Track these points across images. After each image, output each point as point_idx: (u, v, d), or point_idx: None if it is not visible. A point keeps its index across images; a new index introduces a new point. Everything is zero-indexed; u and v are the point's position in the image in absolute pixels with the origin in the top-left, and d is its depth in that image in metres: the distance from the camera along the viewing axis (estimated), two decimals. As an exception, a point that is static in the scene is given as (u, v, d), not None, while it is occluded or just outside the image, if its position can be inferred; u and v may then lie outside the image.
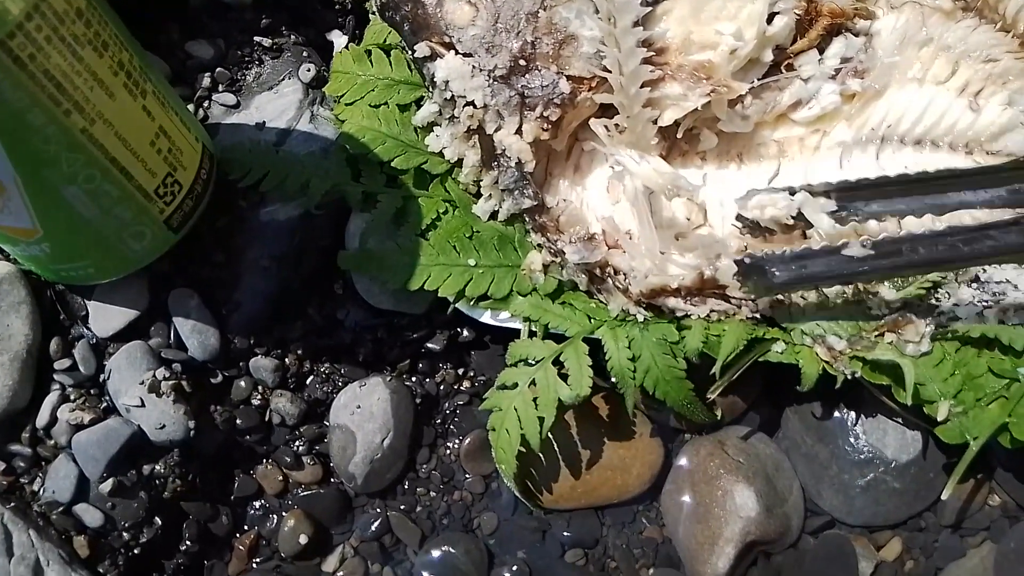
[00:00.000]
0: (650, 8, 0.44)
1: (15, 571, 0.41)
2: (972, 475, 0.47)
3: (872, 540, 0.48)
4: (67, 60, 0.35)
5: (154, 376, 0.44)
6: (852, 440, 0.48)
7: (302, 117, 0.51)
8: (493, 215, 0.49)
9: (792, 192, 0.41)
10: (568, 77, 0.44)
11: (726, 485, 0.47)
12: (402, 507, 0.49)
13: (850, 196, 0.41)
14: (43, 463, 0.45)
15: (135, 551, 0.45)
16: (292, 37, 0.54)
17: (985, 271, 0.45)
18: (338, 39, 0.57)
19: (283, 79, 0.52)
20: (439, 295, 0.47)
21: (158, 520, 0.45)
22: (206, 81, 0.52)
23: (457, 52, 0.45)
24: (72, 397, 0.45)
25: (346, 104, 0.51)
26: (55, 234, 0.41)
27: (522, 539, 0.49)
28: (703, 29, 0.45)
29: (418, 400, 0.50)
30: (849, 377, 0.43)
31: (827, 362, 0.43)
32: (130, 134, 0.39)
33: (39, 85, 0.34)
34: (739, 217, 0.42)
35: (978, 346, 0.44)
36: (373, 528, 0.49)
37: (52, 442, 0.45)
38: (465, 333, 0.51)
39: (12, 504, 0.43)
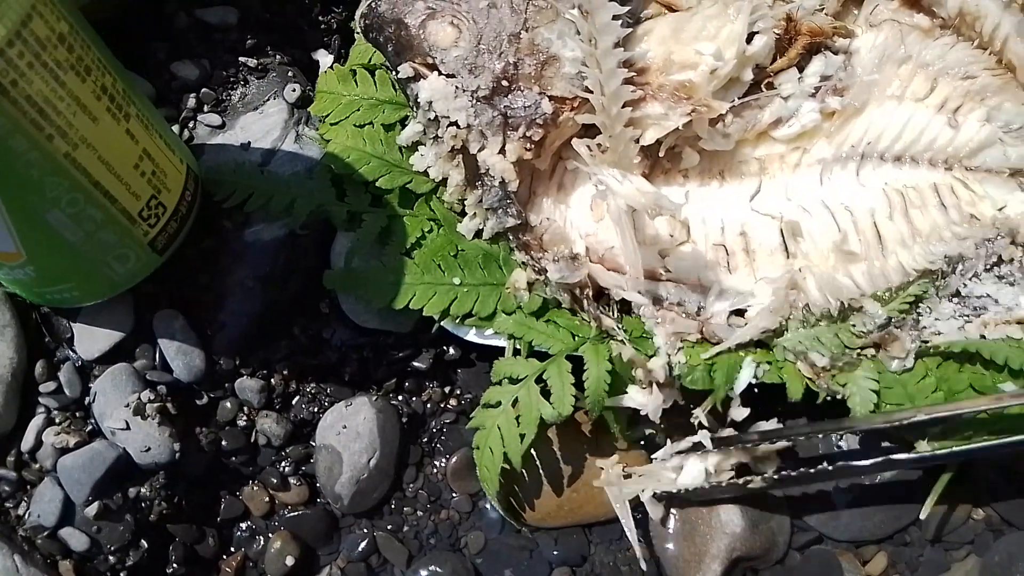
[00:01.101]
0: (631, 29, 0.45)
1: (-1, 597, 0.41)
2: (956, 489, 0.47)
3: (858, 555, 0.48)
4: (49, 85, 0.35)
5: (139, 399, 0.44)
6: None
7: (287, 137, 0.51)
8: (478, 234, 0.49)
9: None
10: (550, 97, 0.45)
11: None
12: (389, 527, 0.49)
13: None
14: (28, 487, 0.45)
15: (121, 575, 0.45)
16: (277, 57, 0.55)
17: (966, 285, 0.45)
18: (324, 59, 0.57)
19: (268, 99, 0.53)
20: (424, 314, 0.47)
21: (144, 543, 0.45)
22: (191, 102, 0.52)
23: (440, 73, 0.45)
24: (57, 420, 0.45)
25: (331, 124, 0.51)
26: (39, 258, 0.41)
27: (509, 558, 0.49)
28: (683, 49, 0.45)
29: (404, 419, 0.50)
30: (829, 397, 0.43)
31: (809, 379, 0.44)
32: (113, 158, 0.40)
33: (21, 111, 0.34)
34: None
35: (959, 361, 0.44)
36: (360, 548, 0.49)
37: (37, 466, 0.45)
38: (451, 351, 0.51)
39: (-3, 528, 0.43)
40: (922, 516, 0.44)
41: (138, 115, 0.41)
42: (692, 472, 0.46)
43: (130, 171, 0.41)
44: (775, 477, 0.45)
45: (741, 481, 0.46)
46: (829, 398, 0.44)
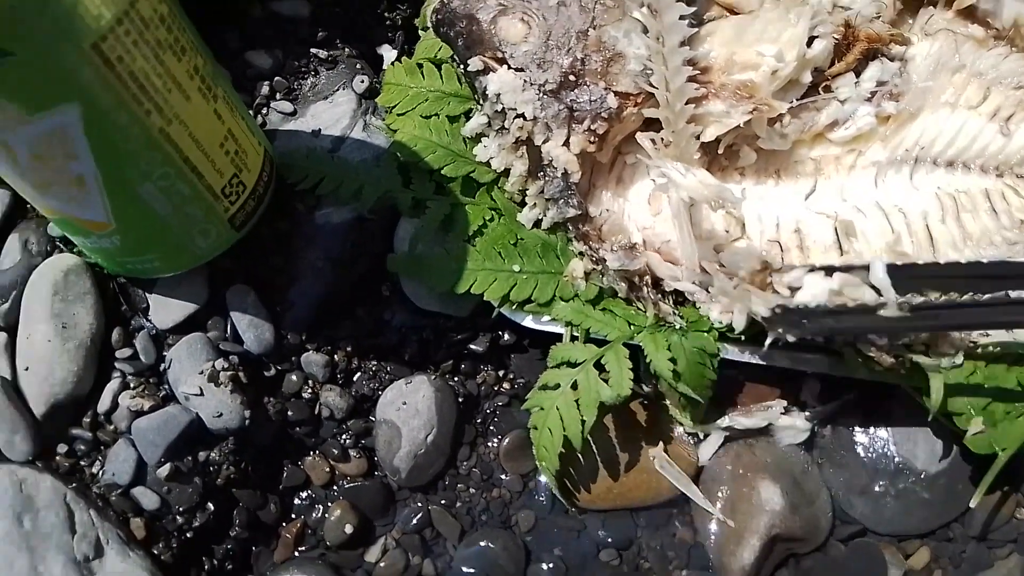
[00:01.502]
0: (696, 30, 0.47)
1: (78, 548, 0.43)
2: (1000, 487, 0.48)
3: (901, 549, 0.49)
4: (150, 63, 0.37)
5: (213, 366, 0.46)
6: (883, 450, 0.49)
7: (355, 126, 0.53)
8: (537, 223, 0.51)
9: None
10: (615, 93, 0.46)
11: (752, 482, 0.49)
12: (443, 502, 0.51)
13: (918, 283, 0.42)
14: (102, 447, 0.47)
15: (188, 535, 0.47)
16: (346, 50, 0.57)
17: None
18: (388, 53, 0.59)
19: (337, 89, 0.55)
20: (484, 299, 0.49)
21: (210, 506, 0.47)
22: (264, 89, 0.54)
23: (509, 67, 0.47)
24: (132, 385, 0.47)
25: (398, 114, 0.53)
26: (127, 228, 0.43)
27: (558, 537, 0.51)
28: (745, 51, 0.47)
29: (460, 399, 0.52)
30: (891, 368, 0.44)
31: (869, 356, 0.44)
32: (203, 135, 0.42)
33: (125, 86, 0.37)
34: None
35: (1007, 362, 0.45)
36: (414, 521, 0.50)
37: (112, 427, 0.47)
38: (506, 337, 0.53)
39: (73, 485, 0.45)
40: (972, 504, 0.45)
41: (224, 96, 0.44)
42: (814, 289, 0.42)
43: (216, 149, 0.43)
44: (910, 306, 0.40)
45: (872, 303, 0.41)
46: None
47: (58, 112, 0.36)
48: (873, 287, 0.41)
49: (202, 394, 0.46)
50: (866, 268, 0.41)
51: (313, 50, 0.56)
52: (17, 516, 0.42)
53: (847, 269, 0.42)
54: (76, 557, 0.42)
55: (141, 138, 0.39)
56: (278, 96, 0.54)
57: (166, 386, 0.47)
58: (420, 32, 0.58)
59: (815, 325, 0.41)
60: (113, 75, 0.36)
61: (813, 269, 0.43)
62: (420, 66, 0.54)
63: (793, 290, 0.43)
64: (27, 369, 0.46)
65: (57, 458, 0.46)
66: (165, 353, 0.48)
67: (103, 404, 0.47)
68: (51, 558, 0.42)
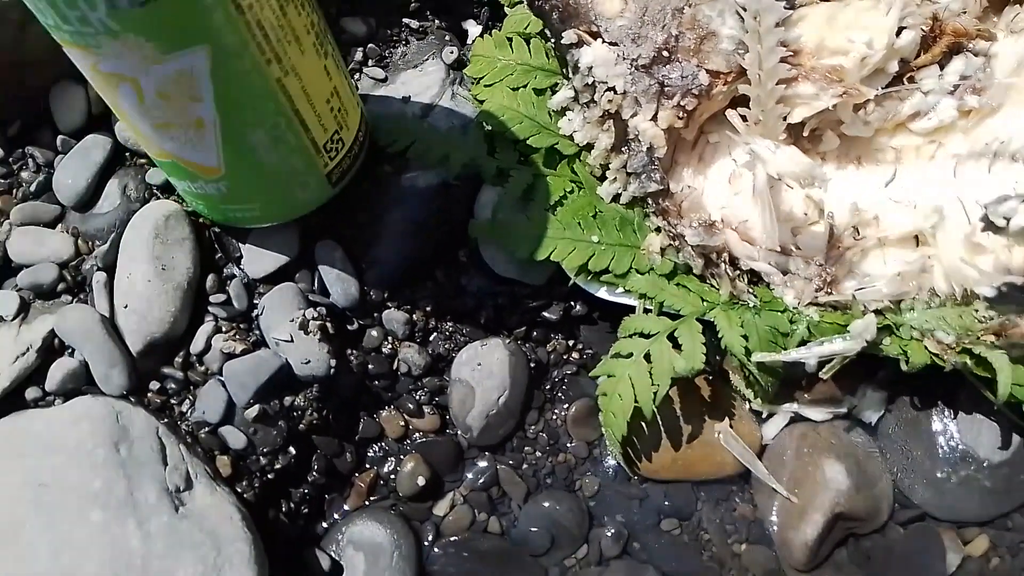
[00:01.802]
0: (790, 12, 0.48)
1: (170, 479, 0.44)
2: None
3: (960, 535, 0.49)
4: (275, 14, 0.39)
5: (304, 315, 0.48)
6: (947, 438, 0.50)
7: (444, 95, 0.55)
8: (616, 197, 0.52)
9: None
10: (707, 70, 0.48)
11: (817, 460, 0.50)
12: (510, 462, 0.52)
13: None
14: (191, 387, 0.49)
15: (270, 476, 0.48)
16: (436, 22, 0.58)
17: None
18: (472, 28, 0.61)
19: (427, 59, 0.56)
20: (563, 267, 0.50)
21: (292, 450, 0.49)
22: (358, 55, 0.56)
23: (604, 41, 0.49)
24: (224, 329, 0.49)
25: (485, 85, 0.55)
26: (235, 175, 0.45)
27: (621, 504, 0.52)
28: (836, 36, 0.48)
29: (532, 365, 0.53)
30: (956, 367, 0.45)
31: (935, 354, 0.46)
32: (313, 90, 0.43)
33: (251, 33, 0.39)
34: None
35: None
36: (483, 479, 0.52)
37: (203, 368, 0.48)
38: (578, 308, 0.54)
39: (165, 420, 0.47)
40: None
41: (332, 55, 0.45)
42: None
43: (323, 104, 0.45)
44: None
45: None
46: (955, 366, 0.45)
47: (189, 53, 0.38)
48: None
49: (292, 341, 0.48)
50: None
51: (405, 20, 0.58)
52: (115, 444, 0.44)
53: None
54: (168, 487, 0.44)
55: (260, 86, 0.41)
56: (370, 63, 0.56)
57: (256, 332, 0.49)
58: (506, 9, 0.59)
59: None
60: (243, 21, 0.38)
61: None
62: (509, 39, 0.56)
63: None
64: (126, 307, 0.47)
65: (149, 394, 0.48)
66: (256, 301, 0.49)
67: (196, 346, 0.48)
68: (146, 485, 0.43)
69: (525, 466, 0.53)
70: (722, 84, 0.48)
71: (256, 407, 0.47)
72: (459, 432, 0.52)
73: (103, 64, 0.38)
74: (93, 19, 0.35)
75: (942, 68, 0.50)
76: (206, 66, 0.38)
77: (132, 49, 0.37)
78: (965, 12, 0.51)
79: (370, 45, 0.56)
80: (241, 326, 0.49)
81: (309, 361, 0.48)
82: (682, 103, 0.48)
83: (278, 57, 0.40)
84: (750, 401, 0.52)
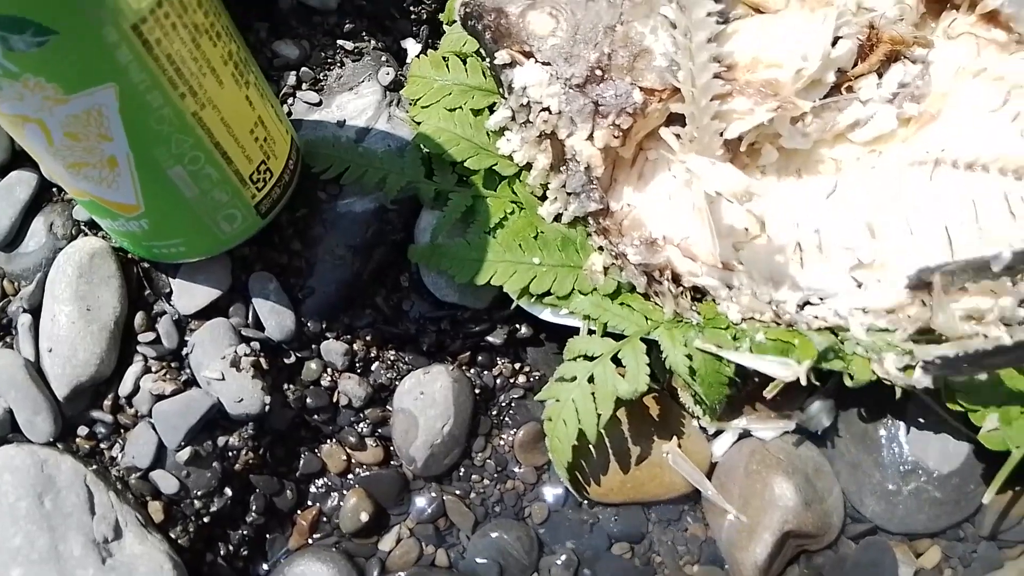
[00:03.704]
0: (723, 27, 0.47)
1: (97, 529, 0.43)
2: (1012, 488, 0.48)
3: (912, 547, 0.49)
4: (187, 47, 0.38)
5: (235, 352, 0.47)
6: (896, 449, 0.49)
7: (380, 117, 0.54)
8: (557, 217, 0.51)
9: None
10: (641, 88, 0.47)
11: (766, 478, 0.49)
12: (457, 492, 0.51)
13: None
14: (122, 430, 0.47)
15: (205, 519, 0.47)
16: (371, 42, 0.57)
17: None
18: (412, 47, 0.60)
19: (363, 81, 0.55)
20: (504, 290, 0.49)
21: (228, 491, 0.47)
22: (291, 79, 0.54)
23: (536, 60, 0.48)
24: (154, 369, 0.47)
25: (422, 107, 0.54)
26: (155, 211, 0.43)
27: (571, 530, 0.51)
28: (771, 49, 0.47)
29: (477, 391, 0.52)
30: (910, 389, 0.44)
31: (883, 378, 0.45)
32: (234, 121, 0.42)
33: (161, 68, 0.37)
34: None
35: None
36: (429, 511, 0.51)
37: (133, 410, 0.47)
38: (523, 330, 0.53)
39: (94, 467, 0.46)
40: (985, 500, 0.45)
41: (255, 83, 0.44)
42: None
43: (246, 135, 0.43)
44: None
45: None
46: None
47: (95, 92, 0.36)
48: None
49: (223, 379, 0.46)
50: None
51: (339, 42, 0.56)
52: (38, 496, 0.43)
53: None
54: (95, 538, 0.43)
55: (174, 121, 0.39)
56: (304, 86, 0.55)
57: (187, 370, 0.48)
58: (444, 27, 0.58)
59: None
60: (151, 57, 0.36)
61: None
62: (446, 59, 0.55)
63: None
64: (50, 351, 0.46)
65: (78, 440, 0.46)
66: (187, 338, 0.48)
67: (124, 387, 0.47)
68: (71, 538, 0.42)
69: (473, 495, 0.51)
70: (657, 101, 0.47)
71: (188, 449, 0.46)
72: (403, 464, 0.51)
73: (5, 106, 0.36)
74: (-10, 61, 0.33)
75: (880, 77, 0.50)
76: (115, 104, 0.37)
77: (34, 90, 0.35)
78: (902, 19, 0.50)
79: (303, 68, 0.55)
80: (172, 365, 0.48)
81: (242, 399, 0.46)
82: (617, 122, 0.47)
83: (193, 91, 0.39)
84: (699, 419, 0.51)
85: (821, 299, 0.48)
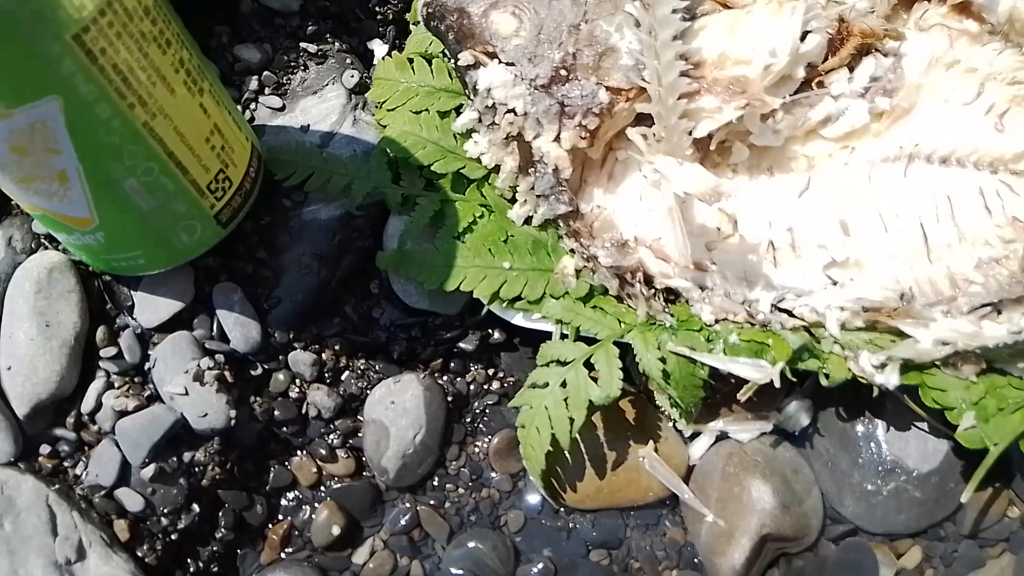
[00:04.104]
0: (688, 24, 0.46)
1: (60, 551, 0.42)
2: (991, 485, 0.47)
3: (892, 548, 0.48)
4: (134, 56, 0.37)
5: (198, 365, 0.46)
6: (874, 449, 0.48)
7: (345, 121, 0.53)
8: (527, 220, 0.50)
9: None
10: (607, 88, 0.46)
11: (743, 481, 0.48)
12: (431, 502, 0.50)
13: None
14: (86, 448, 0.46)
15: (172, 536, 0.46)
16: (336, 44, 0.56)
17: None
18: (379, 48, 0.58)
19: (327, 84, 0.54)
20: (474, 296, 0.48)
21: (196, 507, 0.46)
22: (253, 84, 0.53)
23: (500, 61, 0.47)
24: (117, 384, 0.46)
25: (388, 110, 0.53)
26: (110, 224, 0.42)
27: (548, 537, 0.50)
28: (738, 45, 0.46)
29: (449, 398, 0.51)
30: (885, 389, 0.44)
31: (860, 377, 0.44)
32: (188, 130, 0.41)
33: (108, 79, 0.36)
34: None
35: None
36: (403, 522, 0.50)
37: (96, 427, 0.46)
38: (496, 335, 0.52)
39: (56, 486, 0.45)
40: (964, 499, 0.44)
41: (210, 90, 0.43)
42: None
43: (202, 144, 0.42)
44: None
45: None
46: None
47: (39, 105, 0.35)
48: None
49: (187, 394, 0.45)
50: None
51: (303, 44, 0.55)
52: (-2, 518, 0.42)
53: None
54: (58, 560, 0.42)
55: (124, 132, 0.38)
56: (267, 91, 0.54)
57: (151, 386, 0.47)
58: (411, 27, 0.57)
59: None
60: (95, 68, 0.35)
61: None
62: (411, 61, 0.53)
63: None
64: (9, 369, 0.45)
65: (40, 459, 0.45)
66: (150, 352, 0.47)
67: (87, 404, 0.46)
68: (32, 561, 0.41)
69: (447, 504, 0.51)
70: (624, 101, 0.46)
71: (152, 466, 0.45)
72: (376, 475, 0.50)
73: (-54, 120, 0.35)
74: (-74, 75, 0.32)
75: (851, 71, 0.49)
76: (60, 117, 0.36)
77: (-26, 104, 0.34)
78: (873, 12, 0.50)
79: (266, 73, 0.54)
80: (135, 380, 0.47)
81: (206, 414, 0.45)
82: (584, 122, 0.46)
83: (143, 100, 0.38)
84: (675, 421, 0.51)
85: (796, 296, 0.47)
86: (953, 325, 0.44)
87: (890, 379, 0.43)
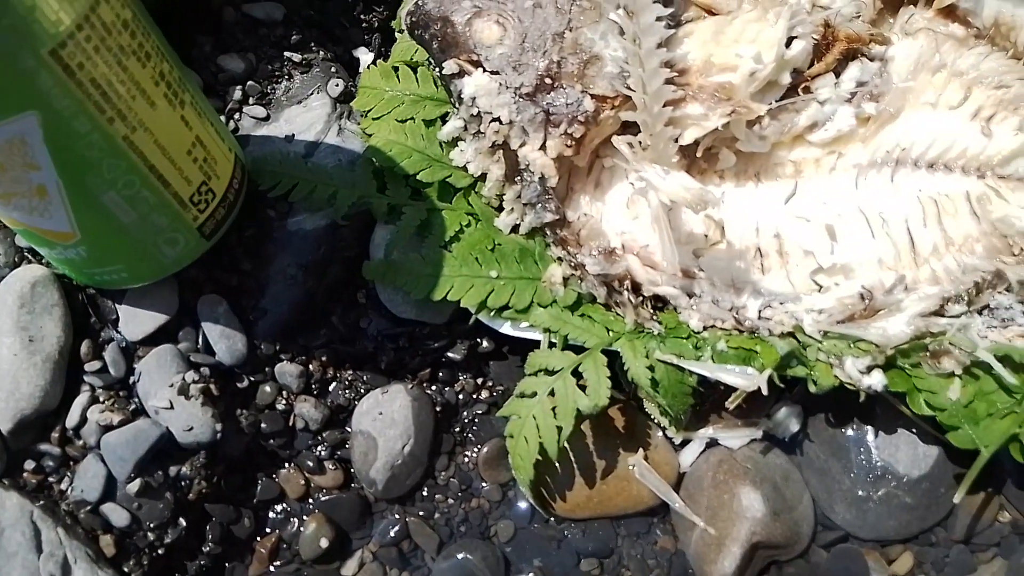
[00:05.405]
0: (673, 31, 0.46)
1: (44, 568, 0.41)
2: (982, 490, 0.47)
3: (884, 554, 0.48)
4: (113, 69, 0.36)
5: (183, 379, 0.45)
6: (865, 455, 0.48)
7: (330, 130, 0.52)
8: (514, 228, 0.50)
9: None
10: (592, 96, 0.46)
11: (733, 488, 0.48)
12: (420, 513, 0.50)
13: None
14: (71, 463, 0.46)
15: (159, 551, 0.46)
16: (321, 53, 0.56)
17: (995, 297, 0.46)
18: (364, 56, 0.58)
19: (312, 93, 0.54)
20: (461, 305, 0.48)
21: (182, 521, 0.46)
22: (237, 94, 0.53)
23: (485, 70, 0.46)
24: (101, 399, 0.46)
25: (373, 119, 0.52)
26: (92, 238, 0.42)
27: (538, 547, 0.50)
28: (723, 52, 0.46)
29: (438, 408, 0.51)
30: (871, 392, 0.44)
31: (846, 382, 0.44)
32: (169, 143, 0.41)
33: (86, 93, 0.36)
34: None
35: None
36: (392, 534, 0.49)
37: (81, 442, 0.46)
38: (484, 344, 0.52)
39: (41, 502, 0.44)
40: (956, 500, 0.44)
41: (192, 103, 0.43)
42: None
43: (183, 156, 0.42)
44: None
45: None
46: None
47: (16, 121, 0.35)
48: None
49: (172, 408, 0.45)
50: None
51: (287, 54, 0.55)
52: (-19, 536, 0.41)
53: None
54: (42, 576, 0.41)
55: (104, 146, 0.38)
56: (251, 101, 0.53)
57: (136, 400, 0.46)
58: (396, 34, 0.57)
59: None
60: (73, 82, 0.35)
61: None
62: (396, 69, 0.53)
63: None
64: (-8, 384, 0.44)
65: (24, 475, 0.45)
66: (135, 366, 0.47)
67: (72, 419, 0.45)
68: (16, 578, 0.41)
69: (437, 515, 0.50)
70: (609, 109, 0.46)
71: (138, 481, 0.44)
72: (364, 486, 0.50)
73: (-78, 136, 0.35)
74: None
75: (838, 76, 0.49)
76: (38, 132, 0.35)
77: (-51, 120, 0.34)
78: (858, 16, 0.49)
79: (250, 82, 0.53)
80: (120, 394, 0.46)
81: (192, 428, 0.45)
82: (569, 130, 0.46)
83: (122, 114, 0.38)
84: (664, 429, 0.50)
85: (781, 303, 0.47)
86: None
87: (876, 382, 0.43)
